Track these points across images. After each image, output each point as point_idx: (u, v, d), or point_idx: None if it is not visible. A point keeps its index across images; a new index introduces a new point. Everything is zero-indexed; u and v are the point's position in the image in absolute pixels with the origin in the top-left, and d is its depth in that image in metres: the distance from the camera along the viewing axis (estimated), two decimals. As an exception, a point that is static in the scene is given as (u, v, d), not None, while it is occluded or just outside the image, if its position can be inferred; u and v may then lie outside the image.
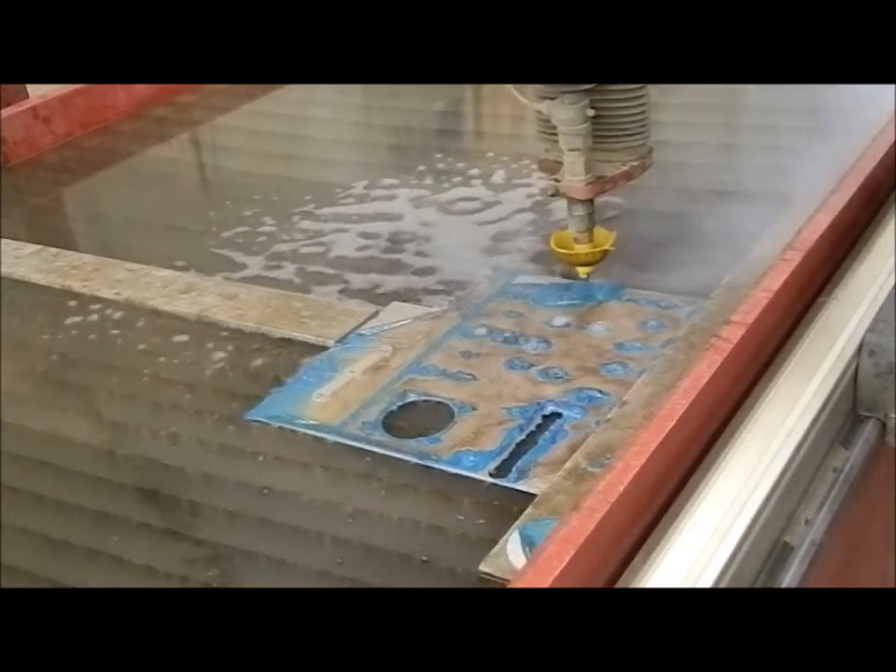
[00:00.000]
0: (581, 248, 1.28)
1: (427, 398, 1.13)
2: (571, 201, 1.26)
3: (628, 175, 1.25)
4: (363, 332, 1.26)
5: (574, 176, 1.23)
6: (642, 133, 1.24)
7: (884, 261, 1.15)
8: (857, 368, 1.05)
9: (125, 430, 1.16)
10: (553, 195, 1.27)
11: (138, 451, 1.12)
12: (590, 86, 1.18)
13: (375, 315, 1.29)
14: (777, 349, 1.03)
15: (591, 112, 1.20)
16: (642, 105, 1.23)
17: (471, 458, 1.03)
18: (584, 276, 1.30)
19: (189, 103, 2.07)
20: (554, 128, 1.22)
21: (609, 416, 1.05)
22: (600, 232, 1.29)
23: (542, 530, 0.91)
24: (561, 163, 1.24)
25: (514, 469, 1.02)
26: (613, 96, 1.21)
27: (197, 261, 1.48)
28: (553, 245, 1.30)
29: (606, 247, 1.28)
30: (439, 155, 1.75)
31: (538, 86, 1.22)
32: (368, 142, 1.92)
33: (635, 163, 1.25)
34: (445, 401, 1.12)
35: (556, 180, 1.25)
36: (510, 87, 1.21)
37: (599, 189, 1.25)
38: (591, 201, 1.26)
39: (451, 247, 1.46)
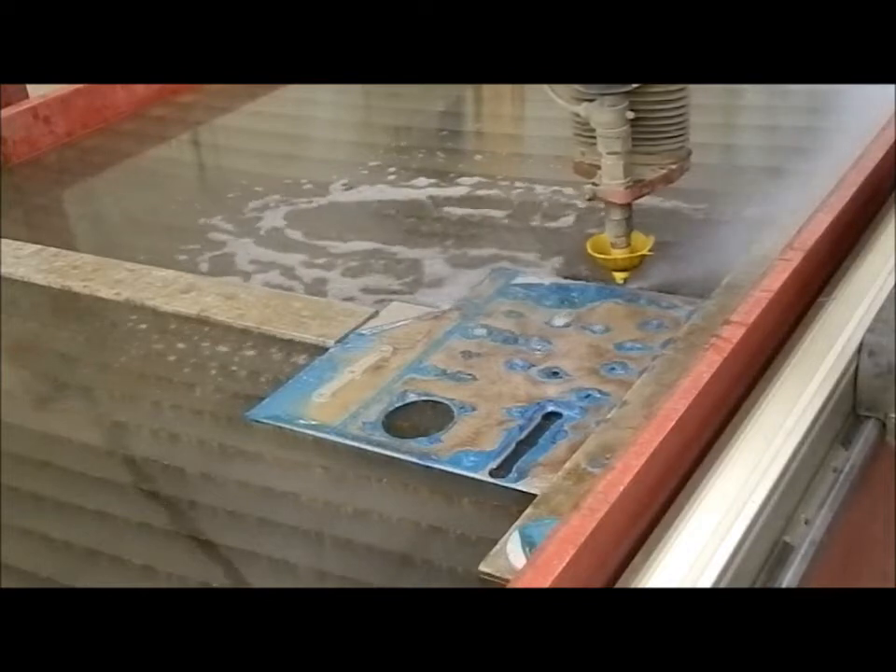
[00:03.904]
0: (619, 253, 1.27)
1: (427, 398, 1.13)
2: (609, 205, 1.24)
3: (667, 179, 1.24)
4: (363, 332, 1.26)
5: (613, 180, 1.21)
6: (681, 135, 1.23)
7: (884, 261, 1.15)
8: (857, 368, 1.05)
9: (125, 430, 1.16)
10: (590, 199, 1.25)
11: (138, 451, 1.12)
12: (630, 87, 1.16)
13: (375, 315, 1.29)
14: (777, 349, 1.03)
15: (630, 115, 1.18)
16: (682, 106, 1.21)
17: (471, 458, 1.03)
18: (621, 281, 1.29)
19: (189, 103, 2.07)
20: (592, 131, 1.21)
21: (608, 416, 1.05)
22: (638, 237, 1.27)
23: (542, 530, 0.91)
24: (597, 167, 1.23)
25: (514, 469, 1.02)
26: (653, 98, 1.19)
27: (196, 261, 1.48)
28: (589, 250, 1.28)
29: (644, 252, 1.27)
30: (438, 154, 1.75)
31: (575, 87, 1.20)
32: (368, 142, 1.92)
33: (673, 166, 1.23)
34: (445, 401, 1.12)
35: (594, 184, 1.23)
36: (546, 87, 1.19)
37: (638, 192, 1.23)
38: (629, 205, 1.24)
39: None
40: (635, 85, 1.16)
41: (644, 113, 1.20)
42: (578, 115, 1.22)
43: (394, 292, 1.35)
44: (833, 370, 1.01)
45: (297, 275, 1.42)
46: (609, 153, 1.20)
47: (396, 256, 1.45)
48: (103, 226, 1.72)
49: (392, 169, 1.71)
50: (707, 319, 1.15)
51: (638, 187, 1.23)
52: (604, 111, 1.18)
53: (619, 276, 1.29)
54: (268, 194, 1.66)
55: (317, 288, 1.39)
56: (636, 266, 1.28)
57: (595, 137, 1.21)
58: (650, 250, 1.27)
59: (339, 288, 1.38)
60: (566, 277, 1.34)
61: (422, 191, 1.63)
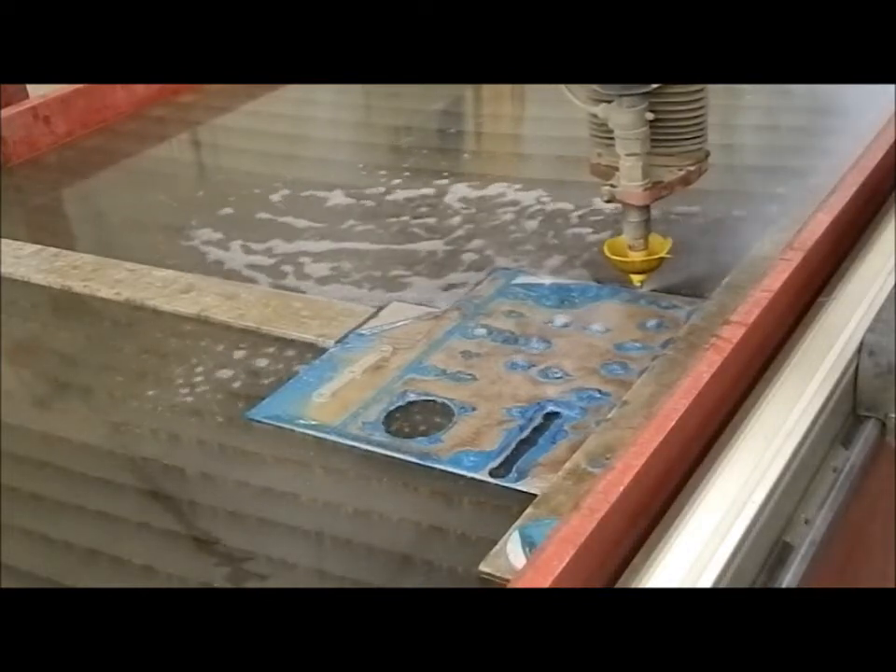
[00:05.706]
0: (637, 256, 1.25)
1: (427, 398, 1.13)
2: (627, 207, 1.23)
3: (686, 181, 1.22)
4: (363, 332, 1.26)
5: (631, 182, 1.20)
6: (700, 136, 1.22)
7: (884, 261, 1.15)
8: (857, 368, 1.05)
9: (125, 430, 1.16)
10: (608, 201, 1.24)
11: (138, 451, 1.12)
12: (649, 88, 1.15)
13: (375, 314, 1.29)
14: (777, 349, 1.03)
15: (650, 116, 1.17)
16: (701, 107, 1.20)
17: (471, 458, 1.03)
18: (638, 284, 1.27)
19: (189, 103, 2.07)
20: (609, 132, 1.19)
21: (609, 416, 1.05)
22: (655, 239, 1.25)
23: (542, 530, 0.91)
24: (614, 168, 1.21)
25: (514, 468, 1.02)
26: (671, 99, 1.18)
27: (196, 261, 1.48)
28: (606, 252, 1.26)
29: (662, 255, 1.25)
30: (438, 154, 1.76)
31: (593, 88, 1.19)
32: (368, 142, 1.92)
33: (692, 168, 1.22)
34: (445, 401, 1.12)
35: (612, 185, 1.22)
36: (563, 88, 1.18)
37: (656, 194, 1.22)
38: (647, 207, 1.23)
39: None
40: (654, 85, 1.15)
41: (663, 114, 1.18)
42: (595, 116, 1.21)
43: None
44: (833, 370, 1.01)
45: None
46: (627, 154, 1.19)
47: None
48: (103, 226, 1.72)
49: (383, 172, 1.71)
50: (706, 319, 1.15)
51: (657, 188, 1.21)
52: (622, 112, 1.17)
53: (636, 279, 1.27)
54: (267, 194, 1.66)
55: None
56: (654, 269, 1.26)
57: (612, 138, 1.20)
58: (668, 252, 1.25)
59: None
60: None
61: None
